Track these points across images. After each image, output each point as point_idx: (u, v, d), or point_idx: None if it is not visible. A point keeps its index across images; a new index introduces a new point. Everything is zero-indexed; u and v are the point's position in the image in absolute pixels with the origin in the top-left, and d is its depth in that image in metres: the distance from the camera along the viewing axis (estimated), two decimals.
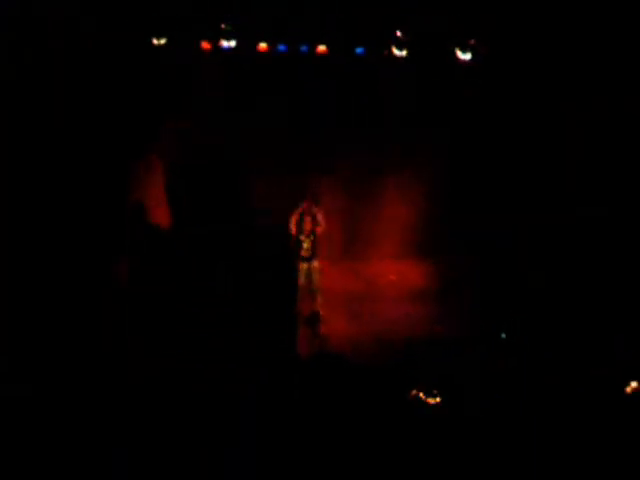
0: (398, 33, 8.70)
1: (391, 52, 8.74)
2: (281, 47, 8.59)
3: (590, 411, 4.71)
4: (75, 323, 4.81)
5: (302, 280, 8.05)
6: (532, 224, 8.49)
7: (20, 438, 2.18)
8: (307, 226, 8.03)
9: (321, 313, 8.18)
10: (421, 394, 5.09)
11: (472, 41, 8.70)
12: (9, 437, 2.12)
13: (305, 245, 8.03)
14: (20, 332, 4.57)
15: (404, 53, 8.68)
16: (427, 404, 5.01)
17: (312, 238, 8.05)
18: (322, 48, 8.69)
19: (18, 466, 2.00)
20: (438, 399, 5.08)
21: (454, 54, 8.84)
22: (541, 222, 8.45)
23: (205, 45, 8.36)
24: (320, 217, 8.09)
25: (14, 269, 5.86)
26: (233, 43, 8.34)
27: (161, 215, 8.16)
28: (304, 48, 8.61)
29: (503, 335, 7.21)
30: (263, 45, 8.59)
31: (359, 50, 8.72)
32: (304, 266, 8.05)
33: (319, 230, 8.07)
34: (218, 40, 8.39)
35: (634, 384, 5.31)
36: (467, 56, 8.78)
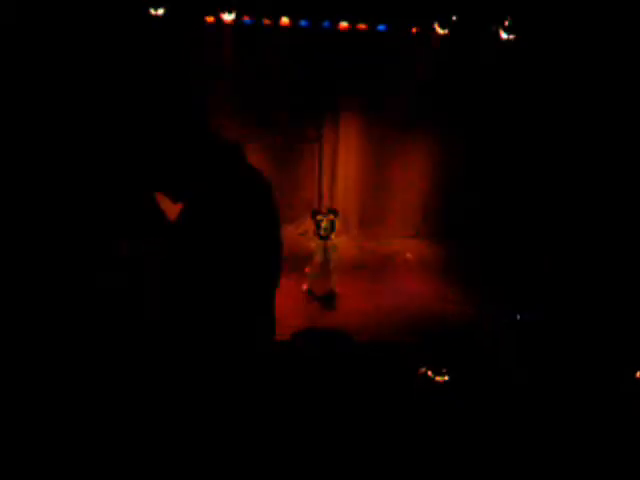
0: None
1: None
2: (303, 23, 8.56)
3: (597, 398, 4.69)
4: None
5: (318, 258, 8.01)
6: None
7: (20, 438, 2.19)
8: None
9: (336, 291, 8.20)
10: (429, 372, 5.08)
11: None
12: (8, 437, 2.14)
13: (323, 224, 7.98)
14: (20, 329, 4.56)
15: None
16: (435, 382, 5.01)
17: (331, 217, 7.98)
18: (344, 24, 8.64)
19: (17, 466, 2.02)
20: (446, 377, 5.07)
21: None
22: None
23: (225, 19, 8.35)
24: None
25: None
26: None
27: None
28: (326, 24, 8.57)
29: (518, 316, 7.16)
30: (285, 20, 8.57)
31: (381, 27, 8.65)
32: (321, 244, 7.99)
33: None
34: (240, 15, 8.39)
35: None
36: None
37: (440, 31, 8.52)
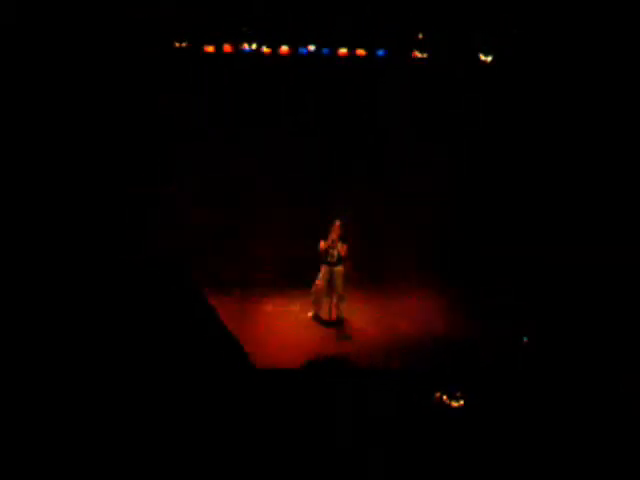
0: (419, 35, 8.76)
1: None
2: (302, 50, 8.62)
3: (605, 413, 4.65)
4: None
5: (322, 283, 8.04)
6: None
7: (20, 437, 2.13)
8: (334, 234, 8.00)
9: (344, 316, 8.17)
10: (445, 397, 5.01)
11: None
12: (9, 437, 2.08)
13: (330, 252, 8.02)
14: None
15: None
16: (450, 407, 4.94)
17: (338, 247, 8.01)
18: (343, 51, 8.70)
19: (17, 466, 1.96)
20: (462, 402, 5.00)
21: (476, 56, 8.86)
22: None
23: (226, 48, 8.42)
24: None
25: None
26: (254, 46, 8.41)
27: None
28: (325, 51, 8.64)
29: (525, 338, 7.14)
30: (285, 48, 8.63)
31: (380, 53, 8.71)
32: (327, 269, 8.03)
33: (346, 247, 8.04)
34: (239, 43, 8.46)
35: None
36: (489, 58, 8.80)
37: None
